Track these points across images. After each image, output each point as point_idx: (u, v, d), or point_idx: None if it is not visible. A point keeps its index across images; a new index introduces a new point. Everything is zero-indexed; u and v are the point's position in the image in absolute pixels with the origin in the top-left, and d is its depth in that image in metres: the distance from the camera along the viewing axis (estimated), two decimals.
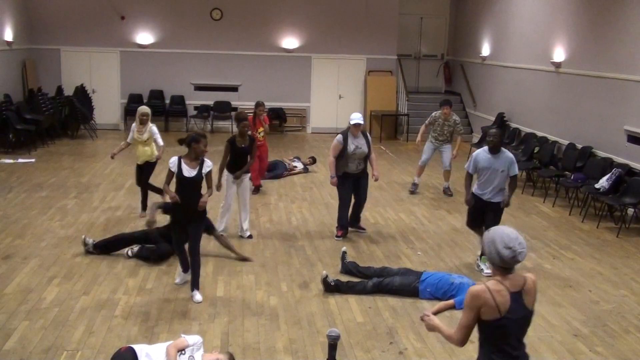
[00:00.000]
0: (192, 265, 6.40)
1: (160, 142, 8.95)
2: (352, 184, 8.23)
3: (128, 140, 9.06)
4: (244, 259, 7.43)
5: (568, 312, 6.33)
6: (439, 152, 10.89)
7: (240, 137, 8.11)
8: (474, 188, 7.33)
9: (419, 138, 10.96)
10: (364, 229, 8.69)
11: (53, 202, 9.60)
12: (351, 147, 8.03)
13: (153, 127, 8.82)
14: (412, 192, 10.89)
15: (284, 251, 7.86)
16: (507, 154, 7.19)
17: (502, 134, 7.30)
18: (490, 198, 7.18)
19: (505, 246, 3.25)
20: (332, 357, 3.92)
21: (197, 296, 6.32)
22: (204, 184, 6.34)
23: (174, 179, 6.31)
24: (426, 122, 10.99)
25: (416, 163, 11.32)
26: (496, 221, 7.16)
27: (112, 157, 9.37)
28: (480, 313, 3.29)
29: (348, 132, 8.16)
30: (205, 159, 6.33)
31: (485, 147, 7.25)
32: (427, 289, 6.50)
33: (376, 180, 8.39)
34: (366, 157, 8.15)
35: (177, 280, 6.69)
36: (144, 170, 9.03)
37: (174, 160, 6.30)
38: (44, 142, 14.03)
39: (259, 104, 10.54)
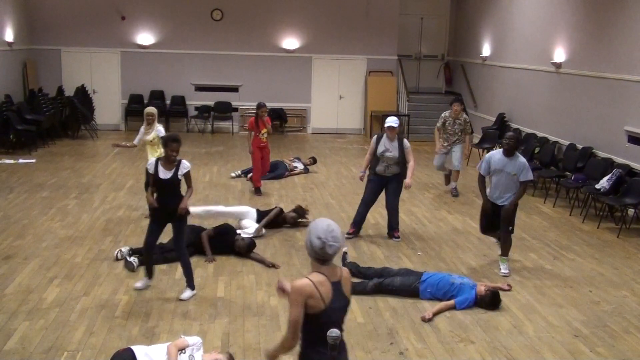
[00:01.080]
0: (182, 264, 6.40)
1: None
2: (378, 186, 8.26)
3: (135, 142, 9.05)
4: (272, 266, 7.36)
5: (568, 313, 6.33)
6: (450, 152, 10.92)
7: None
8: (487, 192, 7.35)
9: (438, 146, 10.93)
10: (397, 237, 8.45)
11: (54, 203, 9.60)
12: (380, 148, 8.12)
13: (159, 127, 8.77)
14: (456, 196, 10.87)
15: (285, 251, 7.86)
16: (521, 159, 7.16)
17: (519, 138, 7.32)
18: (503, 201, 7.20)
19: (316, 236, 3.32)
20: (333, 357, 3.91)
21: (186, 293, 6.35)
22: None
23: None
24: (438, 125, 10.96)
25: (417, 164, 11.26)
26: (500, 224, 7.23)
27: (113, 146, 9.36)
28: (307, 307, 3.33)
29: (384, 134, 8.24)
30: (183, 160, 6.24)
31: (500, 149, 7.27)
32: (427, 290, 6.50)
33: (407, 187, 8.27)
34: (399, 162, 8.09)
35: (139, 285, 6.49)
36: None
37: (151, 162, 6.26)
38: (45, 142, 14.04)
39: (260, 105, 10.51)
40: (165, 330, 5.66)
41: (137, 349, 4.56)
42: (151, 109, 8.93)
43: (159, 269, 7.07)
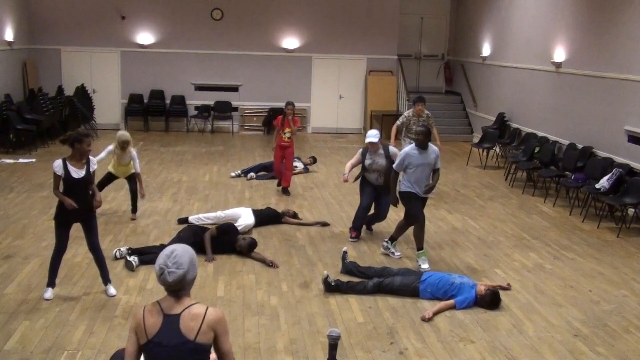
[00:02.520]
0: (98, 261, 6.32)
1: (138, 168, 8.81)
2: (373, 190, 8.30)
3: (97, 158, 8.85)
4: (273, 265, 7.34)
5: (568, 312, 6.33)
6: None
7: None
8: (406, 186, 7.43)
9: (392, 141, 10.90)
10: (371, 230, 8.77)
11: (53, 202, 9.49)
12: (367, 161, 8.22)
13: (133, 152, 8.73)
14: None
15: (285, 251, 7.86)
16: (434, 148, 7.49)
17: (429, 131, 7.64)
18: (426, 193, 7.49)
19: (157, 263, 2.95)
20: (333, 357, 3.92)
21: (112, 290, 6.34)
22: None
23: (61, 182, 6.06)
24: (398, 123, 10.81)
25: None
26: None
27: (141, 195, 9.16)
28: (137, 337, 2.95)
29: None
30: (90, 157, 6.12)
31: (413, 145, 7.48)
32: (427, 289, 6.50)
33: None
34: (387, 171, 8.11)
35: (47, 295, 6.18)
36: (131, 180, 8.96)
37: (58, 163, 6.00)
38: (45, 142, 14.03)
39: (287, 104, 10.47)
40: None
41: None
42: (127, 136, 8.72)
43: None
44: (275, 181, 11.31)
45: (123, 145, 8.68)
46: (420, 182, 7.40)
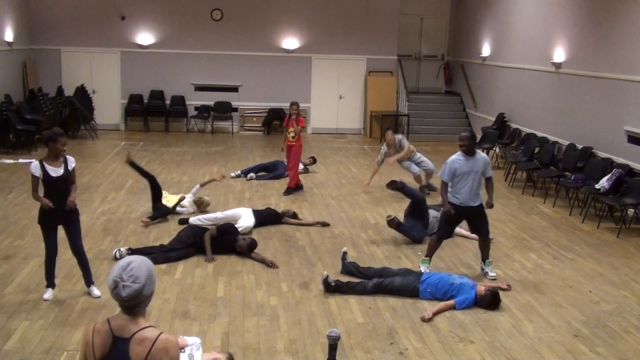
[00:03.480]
0: (81, 264, 6.32)
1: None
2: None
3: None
4: (273, 265, 7.34)
5: (568, 313, 6.33)
6: (404, 168, 11.08)
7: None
8: (450, 196, 7.10)
9: (369, 181, 11.00)
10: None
11: None
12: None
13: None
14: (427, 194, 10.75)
15: (285, 251, 7.86)
16: (482, 154, 7.14)
17: (474, 136, 7.19)
18: (475, 202, 7.06)
19: (111, 278, 2.69)
20: (333, 357, 3.92)
21: (95, 291, 6.34)
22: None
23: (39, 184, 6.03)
24: (378, 159, 10.98)
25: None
26: (485, 224, 7.15)
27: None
28: (86, 357, 2.75)
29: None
30: (68, 156, 6.10)
31: (459, 153, 7.05)
32: (427, 290, 6.50)
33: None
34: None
35: (46, 296, 6.21)
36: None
37: (35, 164, 5.97)
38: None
39: (292, 104, 10.59)
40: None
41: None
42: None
43: (159, 268, 7.07)
44: (275, 182, 11.33)
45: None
46: (466, 192, 6.99)
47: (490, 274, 7.16)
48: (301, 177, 12.00)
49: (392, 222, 8.21)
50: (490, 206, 7.21)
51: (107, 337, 2.71)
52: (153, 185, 9.11)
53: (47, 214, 6.04)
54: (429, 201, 10.07)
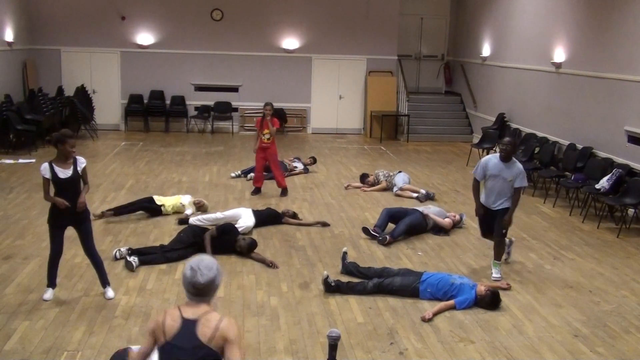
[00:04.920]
0: (95, 264, 6.31)
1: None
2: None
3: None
4: (273, 265, 7.33)
5: (568, 313, 6.33)
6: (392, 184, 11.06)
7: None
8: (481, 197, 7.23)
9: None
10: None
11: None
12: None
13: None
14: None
15: (285, 251, 7.86)
16: (518, 165, 7.06)
17: (516, 143, 7.16)
18: (497, 206, 7.09)
19: (189, 267, 3.14)
20: (333, 357, 3.92)
21: (110, 292, 6.33)
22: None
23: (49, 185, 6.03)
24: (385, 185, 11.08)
25: (416, 163, 11.32)
26: (498, 227, 7.13)
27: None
28: (156, 338, 3.12)
29: None
30: (77, 157, 6.08)
31: (497, 154, 7.12)
32: (427, 290, 6.50)
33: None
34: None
35: (47, 296, 6.20)
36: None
37: (45, 166, 5.97)
38: (45, 142, 14.03)
39: (266, 104, 10.38)
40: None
41: (136, 349, 4.56)
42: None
43: (159, 268, 7.08)
44: (275, 182, 11.31)
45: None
46: (490, 195, 7.07)
47: (494, 275, 7.16)
48: (301, 177, 12.03)
49: (386, 242, 8.15)
50: (507, 226, 7.13)
51: (177, 319, 3.08)
52: (144, 209, 9.10)
53: (58, 214, 6.04)
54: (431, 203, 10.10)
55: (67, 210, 5.99)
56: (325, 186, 11.38)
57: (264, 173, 11.80)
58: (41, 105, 14.49)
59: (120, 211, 8.92)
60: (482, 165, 7.12)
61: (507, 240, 7.50)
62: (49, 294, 6.24)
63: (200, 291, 3.10)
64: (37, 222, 8.63)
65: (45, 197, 6.08)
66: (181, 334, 3.06)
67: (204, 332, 3.05)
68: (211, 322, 3.07)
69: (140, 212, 9.11)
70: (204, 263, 3.13)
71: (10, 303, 6.10)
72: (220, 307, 6.19)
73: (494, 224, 7.18)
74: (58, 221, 6.12)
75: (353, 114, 17.54)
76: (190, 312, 3.10)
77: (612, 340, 5.76)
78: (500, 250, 7.23)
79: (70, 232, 8.15)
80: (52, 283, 6.29)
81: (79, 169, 6.07)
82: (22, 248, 7.62)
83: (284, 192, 10.57)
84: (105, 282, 6.39)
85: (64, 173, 5.98)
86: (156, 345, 3.13)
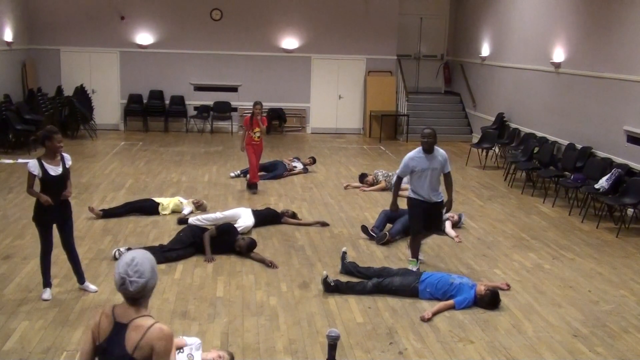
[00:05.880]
0: (73, 260, 6.33)
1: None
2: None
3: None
4: (272, 265, 7.34)
5: (568, 312, 6.33)
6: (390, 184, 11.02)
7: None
8: (410, 193, 7.16)
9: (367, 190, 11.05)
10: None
11: None
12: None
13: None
14: None
15: (284, 251, 7.86)
16: (441, 150, 7.13)
17: (436, 134, 7.10)
18: (438, 197, 7.12)
19: (117, 272, 2.87)
20: (332, 357, 3.92)
21: (91, 286, 6.38)
22: None
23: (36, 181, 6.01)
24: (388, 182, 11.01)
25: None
26: (439, 221, 7.30)
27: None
28: (93, 338, 2.96)
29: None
30: (63, 153, 6.07)
31: (417, 149, 7.07)
32: (426, 289, 6.50)
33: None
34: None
35: (45, 296, 6.19)
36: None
37: (33, 162, 5.94)
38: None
39: (255, 103, 10.58)
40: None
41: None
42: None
43: (158, 269, 7.06)
44: (275, 182, 11.33)
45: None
46: (426, 188, 7.03)
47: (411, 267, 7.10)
48: (301, 177, 12.03)
49: (385, 239, 8.18)
50: (449, 209, 7.31)
51: (110, 322, 2.90)
52: (138, 210, 9.12)
53: (44, 212, 6.03)
54: None
55: (52, 207, 5.98)
56: (324, 186, 11.38)
57: (263, 173, 11.84)
58: (40, 105, 14.49)
59: (110, 214, 8.93)
60: (406, 163, 7.06)
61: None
62: (47, 293, 6.23)
63: (132, 297, 2.88)
64: (31, 219, 8.61)
65: (29, 192, 6.06)
66: (111, 338, 2.88)
67: (130, 338, 2.83)
68: (140, 328, 2.84)
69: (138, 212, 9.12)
70: (134, 268, 2.84)
71: (10, 303, 6.09)
72: (219, 307, 6.20)
73: (434, 217, 7.20)
74: (44, 218, 6.10)
75: (352, 114, 17.54)
76: (122, 315, 2.90)
77: (611, 340, 5.76)
78: (417, 248, 7.26)
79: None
80: (47, 282, 6.29)
81: (67, 165, 6.10)
82: (22, 248, 7.62)
83: (253, 187, 10.60)
84: (82, 278, 6.42)
85: (55, 170, 5.98)
86: (95, 344, 2.96)
